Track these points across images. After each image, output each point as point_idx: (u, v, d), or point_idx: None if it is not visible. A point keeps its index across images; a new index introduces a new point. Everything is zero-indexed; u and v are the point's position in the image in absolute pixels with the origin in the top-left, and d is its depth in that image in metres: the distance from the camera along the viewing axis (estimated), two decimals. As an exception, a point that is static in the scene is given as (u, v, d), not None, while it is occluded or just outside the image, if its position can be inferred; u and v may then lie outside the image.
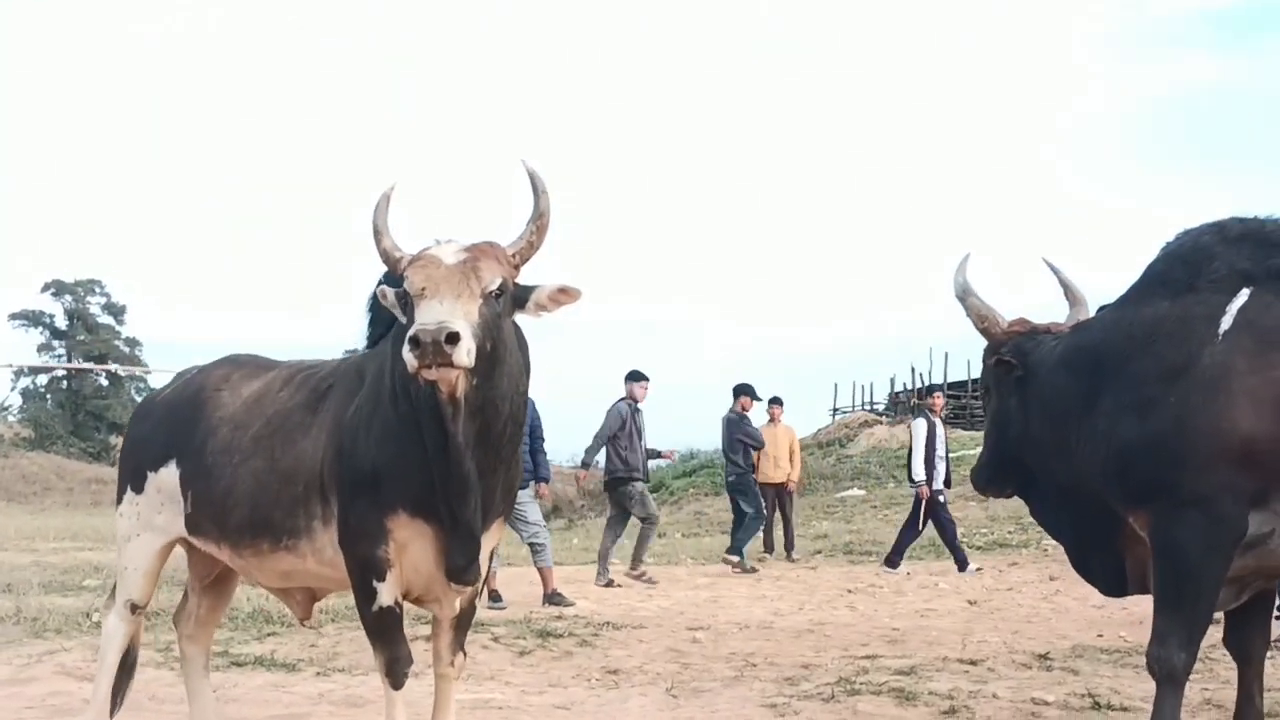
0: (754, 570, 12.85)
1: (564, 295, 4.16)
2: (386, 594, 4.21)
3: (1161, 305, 4.14)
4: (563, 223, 4.24)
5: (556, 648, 7.47)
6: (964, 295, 4.84)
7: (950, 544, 12.91)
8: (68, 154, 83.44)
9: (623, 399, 11.75)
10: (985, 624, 8.68)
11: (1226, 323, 4.00)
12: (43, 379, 50.06)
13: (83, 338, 49.42)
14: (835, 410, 41.25)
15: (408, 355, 3.68)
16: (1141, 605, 7.21)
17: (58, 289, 49.58)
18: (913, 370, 40.07)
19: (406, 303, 3.94)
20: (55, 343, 50.16)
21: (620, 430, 11.51)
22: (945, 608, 9.87)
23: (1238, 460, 3.86)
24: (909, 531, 13.08)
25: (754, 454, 13.80)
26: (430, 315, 3.72)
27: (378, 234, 4.18)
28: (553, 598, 9.65)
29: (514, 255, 4.05)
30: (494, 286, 3.91)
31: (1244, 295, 4.05)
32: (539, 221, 4.12)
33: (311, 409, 4.47)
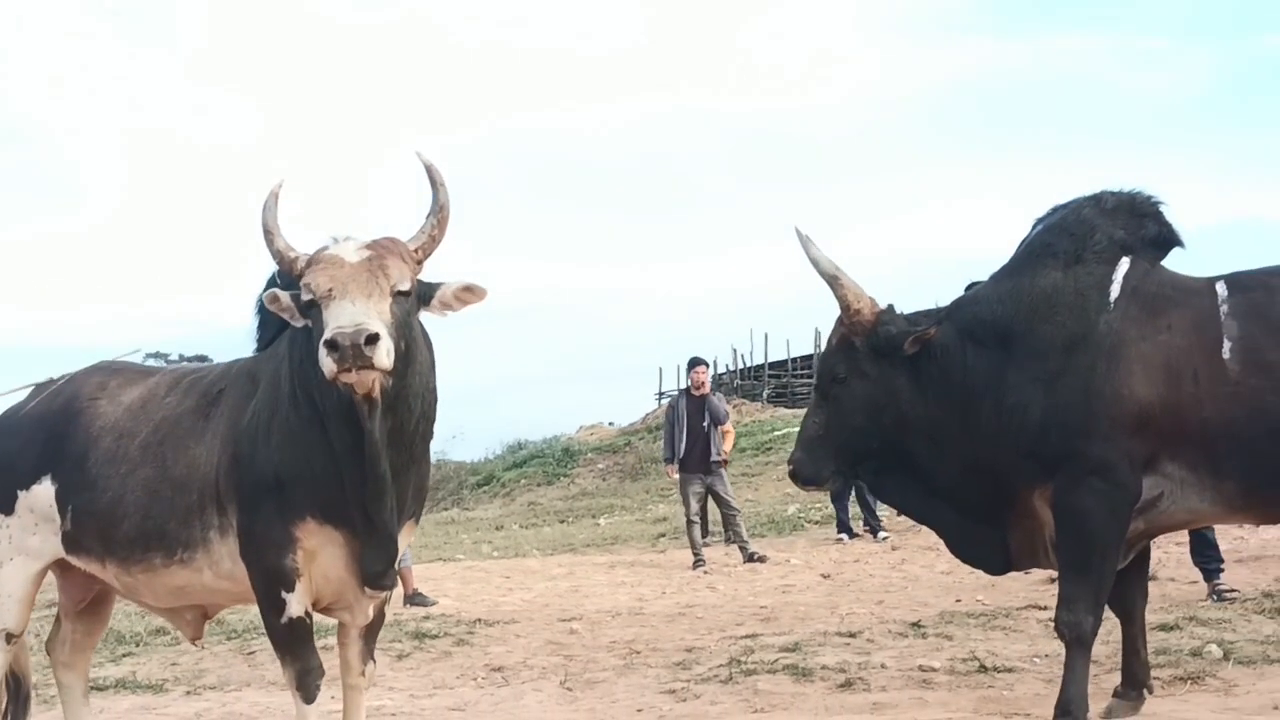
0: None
1: (469, 294, 4.07)
2: (296, 605, 4.05)
3: (1055, 276, 4.31)
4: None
5: (434, 648, 7.33)
6: (834, 275, 4.59)
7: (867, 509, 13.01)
8: None
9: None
10: (847, 596, 8.92)
11: (1115, 291, 4.22)
12: None
13: None
14: (660, 394, 41.68)
15: (325, 360, 3.54)
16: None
17: None
18: (734, 351, 40.79)
19: (309, 306, 3.79)
20: None
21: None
22: (803, 583, 10.10)
23: (1134, 425, 4.07)
24: (837, 502, 13.06)
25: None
26: (345, 317, 3.58)
27: (269, 234, 4.00)
28: (414, 598, 9.47)
29: (416, 251, 3.93)
30: (403, 285, 3.80)
31: (1125, 264, 4.29)
32: (439, 215, 4.01)
33: (203, 414, 4.26)
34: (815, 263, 4.61)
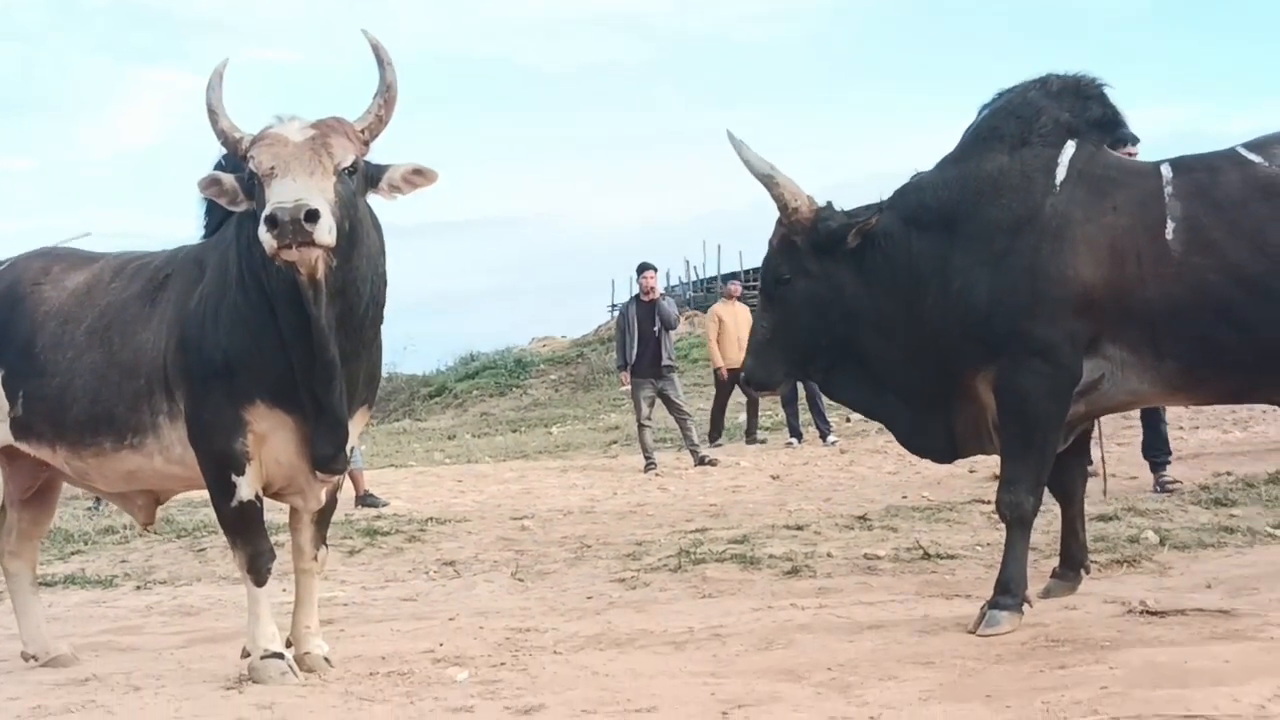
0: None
1: (419, 176, 4.02)
2: (246, 488, 4.05)
3: (1001, 159, 4.31)
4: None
5: (386, 544, 7.38)
6: (769, 175, 4.54)
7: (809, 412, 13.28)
8: None
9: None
10: (795, 495, 9.04)
11: (1061, 174, 4.24)
12: None
13: None
14: (613, 306, 41.64)
15: (265, 236, 3.50)
16: (934, 469, 7.70)
17: None
18: (687, 263, 40.77)
19: (253, 184, 3.74)
20: None
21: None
22: (752, 484, 10.22)
23: (1078, 306, 4.11)
24: (787, 407, 13.34)
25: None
26: (285, 194, 3.55)
27: (213, 114, 3.92)
28: (366, 499, 9.50)
29: (363, 131, 3.88)
30: (347, 163, 3.76)
31: (1070, 147, 4.30)
32: (386, 95, 3.95)
33: (149, 299, 4.21)
34: (749, 164, 4.58)
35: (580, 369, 28.59)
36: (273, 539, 4.23)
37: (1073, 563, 4.68)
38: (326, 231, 3.55)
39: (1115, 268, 4.09)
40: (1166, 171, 4.19)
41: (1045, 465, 4.28)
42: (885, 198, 4.60)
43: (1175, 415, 9.42)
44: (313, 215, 3.50)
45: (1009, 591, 4.27)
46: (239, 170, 3.87)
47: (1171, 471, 7.65)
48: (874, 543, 6.34)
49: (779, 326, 4.63)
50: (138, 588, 6.49)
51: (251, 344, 3.93)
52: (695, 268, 40.36)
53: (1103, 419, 7.42)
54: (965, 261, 4.27)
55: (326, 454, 4.01)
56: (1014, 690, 3.38)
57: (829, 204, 4.61)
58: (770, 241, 4.70)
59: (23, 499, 4.74)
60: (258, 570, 4.10)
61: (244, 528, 4.10)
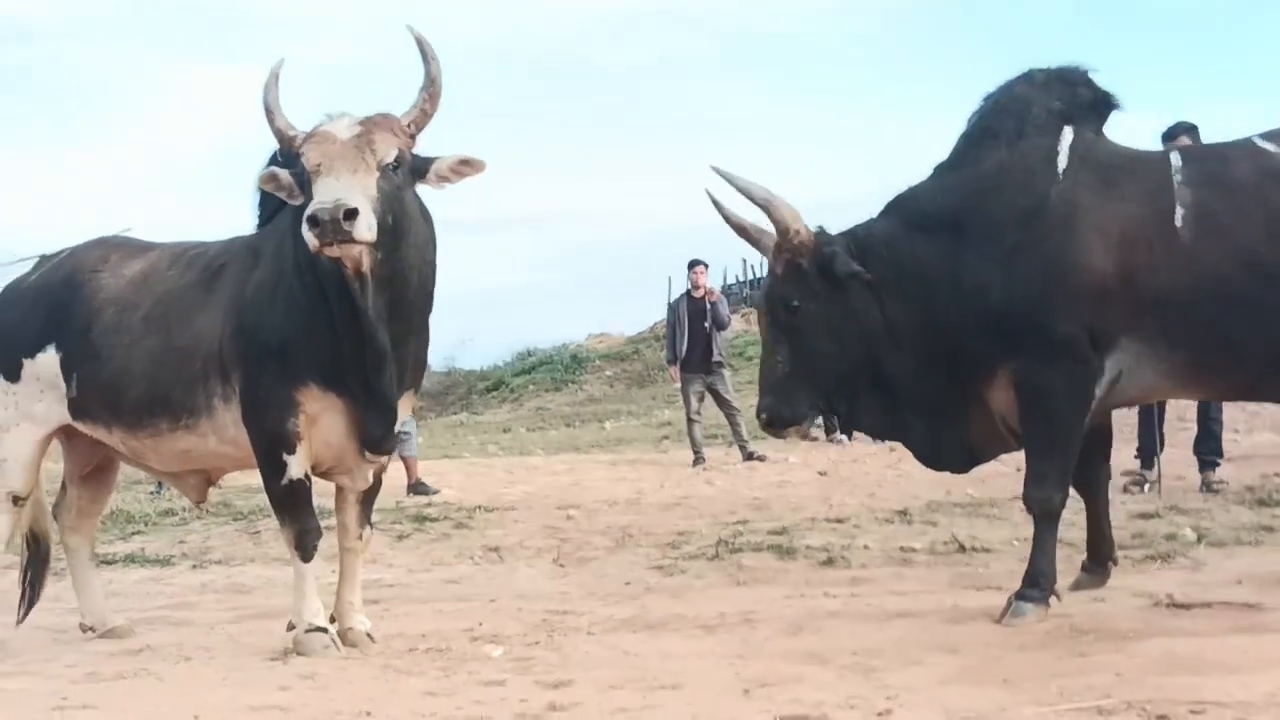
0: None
1: (466, 166, 4.15)
2: (296, 467, 4.21)
3: (1000, 154, 4.32)
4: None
5: (433, 530, 7.54)
6: (768, 200, 4.46)
7: None
8: None
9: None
10: (841, 490, 9.09)
11: (1063, 162, 4.24)
12: None
13: None
14: (670, 304, 41.66)
15: (308, 234, 3.67)
16: (983, 468, 7.70)
17: None
18: (744, 262, 40.71)
19: (304, 180, 3.90)
20: None
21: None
22: (799, 479, 10.27)
23: (1094, 296, 4.09)
24: None
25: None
26: (327, 193, 3.71)
27: (270, 113, 4.10)
28: (417, 487, 9.69)
29: (409, 125, 4.02)
30: (390, 158, 3.90)
31: (1068, 134, 4.31)
32: (431, 89, 4.08)
33: (206, 287, 4.39)
34: (746, 191, 4.51)
35: (635, 365, 28.72)
36: (322, 524, 4.39)
37: (1100, 557, 4.70)
38: (366, 229, 3.70)
39: (1127, 255, 4.07)
40: (1176, 159, 4.19)
41: (1070, 461, 4.28)
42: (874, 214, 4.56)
43: (1231, 418, 9.31)
44: (351, 214, 3.65)
45: (1037, 584, 4.30)
46: (294, 165, 4.03)
47: (1220, 473, 7.61)
48: (912, 536, 6.38)
49: (795, 356, 4.47)
50: (194, 567, 6.71)
51: (305, 327, 4.10)
52: (752, 266, 40.18)
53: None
54: (976, 261, 4.24)
55: (376, 435, 4.18)
56: (1031, 675, 3.44)
57: (820, 228, 4.53)
58: (772, 270, 4.58)
59: (81, 476, 4.95)
60: (304, 547, 4.26)
61: (293, 505, 4.27)
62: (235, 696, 3.58)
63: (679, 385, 12.49)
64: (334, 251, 3.73)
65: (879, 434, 5.08)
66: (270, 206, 4.39)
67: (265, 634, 4.65)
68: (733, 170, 4.55)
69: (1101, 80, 4.41)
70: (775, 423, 4.57)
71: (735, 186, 4.55)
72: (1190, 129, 6.86)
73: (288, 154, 4.08)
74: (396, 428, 4.25)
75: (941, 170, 4.51)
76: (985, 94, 4.52)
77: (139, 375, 4.37)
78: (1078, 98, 4.36)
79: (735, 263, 40.69)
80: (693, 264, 12.37)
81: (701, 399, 12.11)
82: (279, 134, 4.08)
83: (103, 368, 4.44)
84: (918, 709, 3.13)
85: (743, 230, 4.65)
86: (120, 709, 3.45)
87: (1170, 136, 6.63)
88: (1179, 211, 4.07)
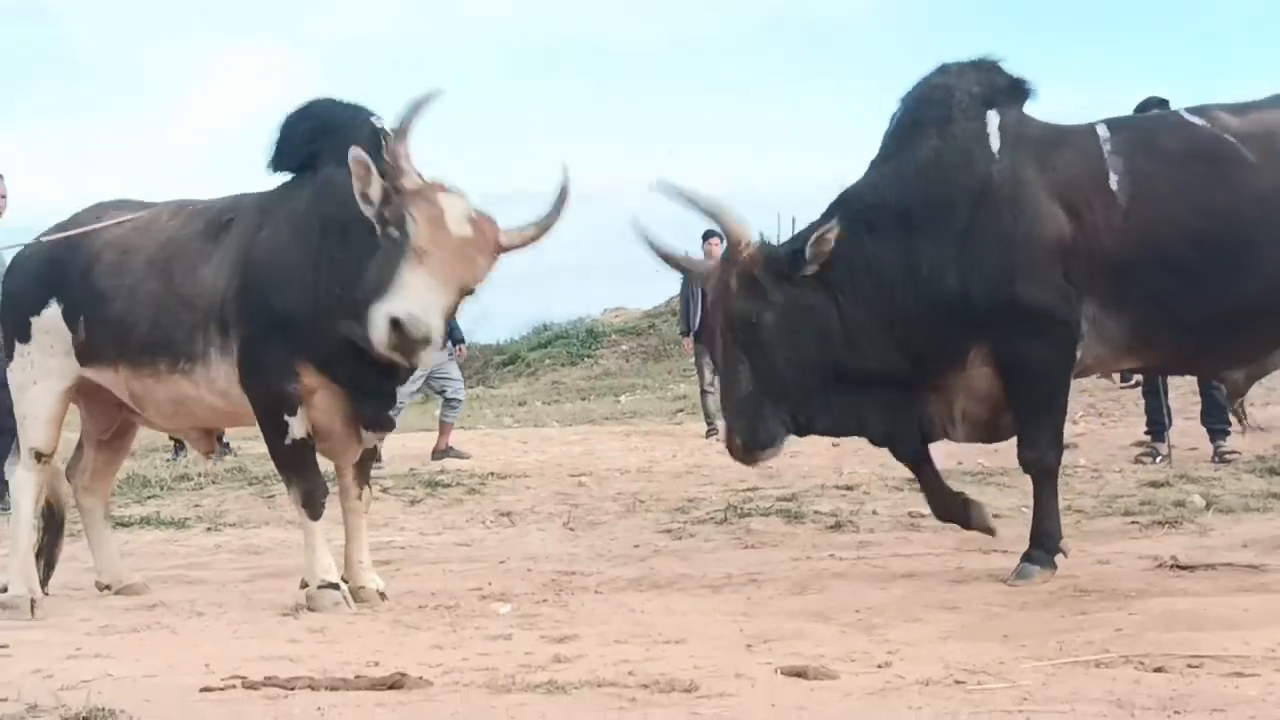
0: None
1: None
2: (298, 427, 4.27)
3: (933, 142, 4.36)
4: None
5: (446, 496, 7.59)
6: (719, 210, 4.47)
7: None
8: None
9: None
10: (852, 459, 9.06)
11: (995, 141, 4.30)
12: None
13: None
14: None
15: (381, 332, 3.80)
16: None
17: None
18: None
19: (395, 214, 3.93)
20: None
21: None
22: (811, 448, 10.19)
23: (1058, 260, 4.15)
24: None
25: None
26: (423, 308, 3.81)
27: (402, 134, 4.07)
28: (446, 452, 9.74)
29: (506, 245, 4.10)
30: (475, 287, 4.05)
31: (994, 116, 4.36)
32: (543, 228, 4.19)
33: (211, 238, 4.43)
34: (695, 201, 4.50)
35: (651, 340, 28.70)
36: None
37: None
38: (429, 354, 3.93)
39: (1073, 220, 4.15)
40: (1103, 130, 4.27)
41: (1060, 420, 4.34)
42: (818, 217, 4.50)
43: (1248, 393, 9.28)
44: (429, 340, 3.83)
45: (1042, 545, 4.34)
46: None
47: (1231, 443, 7.60)
48: (921, 503, 6.29)
49: (758, 373, 4.34)
50: (208, 529, 6.79)
51: (308, 309, 4.16)
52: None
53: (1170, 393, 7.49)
54: (928, 247, 4.25)
55: (368, 416, 4.30)
56: (1031, 632, 3.47)
57: (761, 234, 4.53)
58: (724, 286, 4.44)
59: (100, 439, 5.00)
60: (313, 505, 4.32)
61: (298, 464, 4.32)
62: (245, 648, 3.64)
63: (693, 358, 12.50)
64: (395, 358, 3.92)
65: (836, 434, 5.01)
66: (288, 158, 4.40)
67: (277, 591, 4.72)
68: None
69: (1012, 68, 4.48)
70: (750, 446, 4.43)
71: (684, 197, 4.52)
72: (1161, 103, 6.93)
73: (386, 172, 4.01)
74: (395, 406, 4.34)
75: (875, 165, 4.54)
76: (902, 95, 4.55)
77: (142, 316, 4.44)
78: (995, 83, 4.43)
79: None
80: (707, 235, 12.34)
81: (715, 370, 12.12)
82: (392, 156, 4.01)
83: (106, 309, 4.50)
84: (917, 662, 3.15)
85: (671, 260, 4.70)
86: (133, 658, 3.51)
87: (1143, 110, 6.71)
88: (1113, 177, 4.15)
